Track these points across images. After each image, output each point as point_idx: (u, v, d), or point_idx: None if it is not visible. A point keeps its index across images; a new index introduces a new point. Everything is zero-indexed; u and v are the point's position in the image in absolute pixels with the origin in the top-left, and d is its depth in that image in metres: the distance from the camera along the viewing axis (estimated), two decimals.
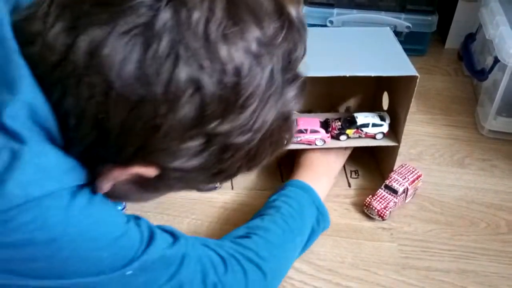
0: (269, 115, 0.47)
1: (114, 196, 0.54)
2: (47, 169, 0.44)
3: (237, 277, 0.65)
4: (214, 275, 0.62)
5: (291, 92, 0.49)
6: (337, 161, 0.92)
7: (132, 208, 0.88)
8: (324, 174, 0.89)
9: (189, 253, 0.59)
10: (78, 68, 0.42)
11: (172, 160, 0.46)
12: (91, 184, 0.49)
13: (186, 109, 0.43)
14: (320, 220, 0.81)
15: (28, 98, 0.43)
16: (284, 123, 0.50)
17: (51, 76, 0.44)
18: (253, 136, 0.47)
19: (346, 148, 0.94)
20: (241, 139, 0.47)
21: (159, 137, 0.44)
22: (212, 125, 0.44)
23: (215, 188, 0.92)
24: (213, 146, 0.46)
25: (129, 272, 0.51)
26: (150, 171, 0.47)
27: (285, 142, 0.53)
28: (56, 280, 0.49)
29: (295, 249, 0.77)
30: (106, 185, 0.50)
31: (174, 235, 0.59)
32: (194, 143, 0.45)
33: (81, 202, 0.47)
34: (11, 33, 0.44)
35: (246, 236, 0.72)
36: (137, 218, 0.56)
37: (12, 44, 0.44)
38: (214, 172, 0.50)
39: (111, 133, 0.44)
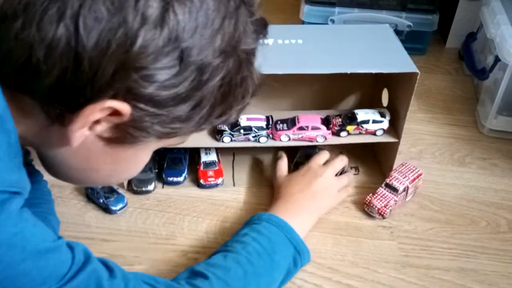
0: (234, 38, 0.47)
1: (84, 168, 0.52)
2: None
3: None
4: None
5: (250, 25, 0.49)
6: (324, 200, 0.85)
7: (133, 205, 0.88)
8: (307, 209, 0.81)
9: None
10: None
11: (147, 85, 0.44)
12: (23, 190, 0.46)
13: (158, 22, 0.43)
14: (298, 259, 0.75)
15: None
16: (248, 57, 0.50)
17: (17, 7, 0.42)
18: (224, 59, 0.47)
19: (343, 188, 0.89)
20: (213, 59, 0.46)
21: (134, 54, 0.43)
22: (185, 39, 0.44)
23: (217, 185, 0.92)
24: (188, 67, 0.45)
25: None
26: (124, 107, 0.45)
27: (254, 82, 0.53)
28: None
29: None
30: (76, 134, 0.47)
31: (110, 269, 0.55)
32: (168, 59, 0.44)
33: (10, 209, 0.44)
34: None
35: (204, 275, 0.65)
36: (73, 244, 0.53)
37: None
38: (192, 105, 0.48)
39: (83, 58, 0.42)
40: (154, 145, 0.54)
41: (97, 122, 0.47)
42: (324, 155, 0.92)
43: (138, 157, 0.56)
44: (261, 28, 0.51)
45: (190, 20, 0.44)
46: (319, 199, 0.84)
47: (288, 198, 0.82)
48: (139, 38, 0.42)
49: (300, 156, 0.96)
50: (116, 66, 0.43)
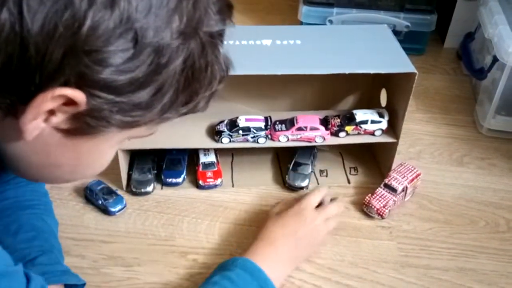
0: (194, 19, 0.45)
1: (45, 165, 0.50)
2: None
3: None
4: None
5: (212, 6, 0.46)
6: (308, 249, 0.80)
7: (132, 206, 0.88)
8: (287, 257, 0.76)
9: None
10: None
11: (101, 70, 0.42)
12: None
13: (107, 2, 0.40)
14: None
15: None
16: (212, 40, 0.47)
17: None
18: (184, 41, 0.45)
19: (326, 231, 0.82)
20: (171, 41, 0.44)
21: (83, 36, 0.40)
22: (138, 19, 0.42)
23: (216, 186, 0.93)
24: (143, 50, 0.43)
25: None
26: (77, 95, 0.43)
27: (221, 68, 0.50)
28: None
29: None
30: (29, 126, 0.44)
31: None
32: (121, 42, 0.42)
33: None
34: None
35: None
36: (31, 276, 0.51)
37: None
38: (153, 91, 0.46)
39: (29, 43, 0.40)
40: (118, 136, 0.51)
41: (52, 113, 0.45)
42: (319, 194, 0.84)
43: (101, 150, 0.53)
44: (225, 10, 0.48)
45: None
46: (302, 249, 0.78)
47: (271, 241, 0.76)
48: (88, 19, 0.40)
49: (298, 156, 0.96)
50: (64, 50, 0.40)
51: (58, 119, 0.45)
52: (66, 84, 0.42)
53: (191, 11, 0.44)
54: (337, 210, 0.85)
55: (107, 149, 0.53)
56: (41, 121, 0.45)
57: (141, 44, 0.43)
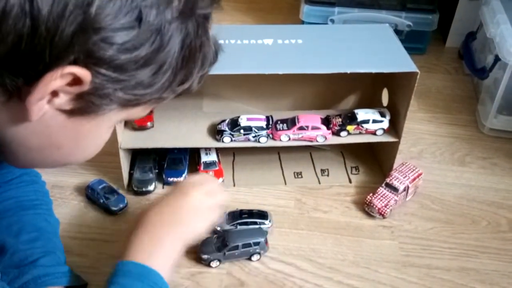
0: (190, 0, 0.46)
1: (45, 146, 0.50)
2: None
3: None
4: None
5: None
6: (192, 223, 0.69)
7: (133, 205, 0.88)
8: (168, 238, 0.66)
9: None
10: None
11: (107, 47, 0.43)
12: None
13: None
14: None
15: None
16: (204, 21, 0.49)
17: None
18: (183, 20, 0.46)
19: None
20: (172, 19, 0.45)
21: (92, 14, 0.41)
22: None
23: None
24: (147, 28, 0.44)
25: None
26: (85, 74, 0.44)
27: (211, 49, 0.52)
28: None
29: None
30: (35, 107, 0.45)
31: None
32: (127, 20, 0.43)
33: None
34: None
35: None
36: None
37: None
38: (155, 69, 0.47)
39: (40, 21, 0.41)
40: (117, 116, 0.52)
41: (55, 94, 0.46)
42: (201, 178, 0.78)
43: (100, 130, 0.54)
44: None
45: None
46: (184, 223, 0.68)
47: (145, 225, 0.66)
48: None
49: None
50: (75, 28, 0.42)
51: (61, 100, 0.46)
52: (75, 62, 0.43)
53: None
54: (218, 188, 0.76)
55: (105, 130, 0.54)
56: (46, 102, 0.46)
57: (145, 23, 0.44)
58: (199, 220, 0.70)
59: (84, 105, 0.47)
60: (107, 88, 0.46)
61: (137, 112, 0.53)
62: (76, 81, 0.44)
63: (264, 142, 0.89)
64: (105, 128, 0.54)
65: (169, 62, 0.48)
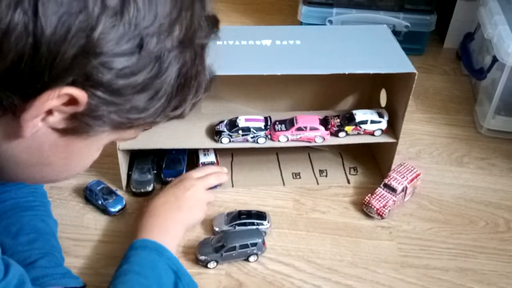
0: (191, 30, 0.47)
1: (34, 163, 0.51)
2: None
3: None
4: None
5: (204, 20, 0.49)
6: (192, 212, 0.84)
7: (132, 206, 0.88)
8: (173, 223, 0.79)
9: None
10: None
11: (106, 72, 0.44)
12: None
13: (118, 9, 0.43)
14: (180, 286, 0.71)
15: None
16: (201, 51, 0.50)
17: None
18: (182, 50, 0.47)
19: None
20: (171, 49, 0.46)
21: (94, 40, 0.42)
22: (145, 27, 0.44)
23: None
24: (147, 56, 0.45)
25: None
26: (81, 95, 0.44)
27: (206, 78, 0.53)
28: None
29: None
30: (30, 124, 0.45)
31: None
32: (128, 47, 0.44)
33: None
34: None
35: None
36: (10, 263, 0.52)
37: None
38: (151, 95, 0.48)
39: (42, 43, 0.41)
40: (108, 137, 0.53)
41: (49, 113, 0.46)
42: (203, 170, 0.91)
43: (90, 150, 0.55)
44: (213, 25, 0.51)
45: (150, 9, 0.44)
46: (187, 210, 0.82)
47: (154, 211, 0.80)
48: (100, 24, 0.42)
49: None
50: (76, 51, 0.42)
51: (55, 118, 0.46)
52: (73, 83, 0.43)
53: (189, 23, 0.47)
54: (217, 181, 0.91)
55: (94, 150, 0.55)
56: (40, 120, 0.46)
57: (145, 50, 0.45)
58: (197, 209, 0.84)
59: (77, 125, 0.48)
60: (102, 110, 0.47)
61: (129, 135, 0.54)
62: (72, 101, 0.45)
63: (262, 142, 0.89)
64: (95, 148, 0.55)
65: (164, 89, 0.48)
